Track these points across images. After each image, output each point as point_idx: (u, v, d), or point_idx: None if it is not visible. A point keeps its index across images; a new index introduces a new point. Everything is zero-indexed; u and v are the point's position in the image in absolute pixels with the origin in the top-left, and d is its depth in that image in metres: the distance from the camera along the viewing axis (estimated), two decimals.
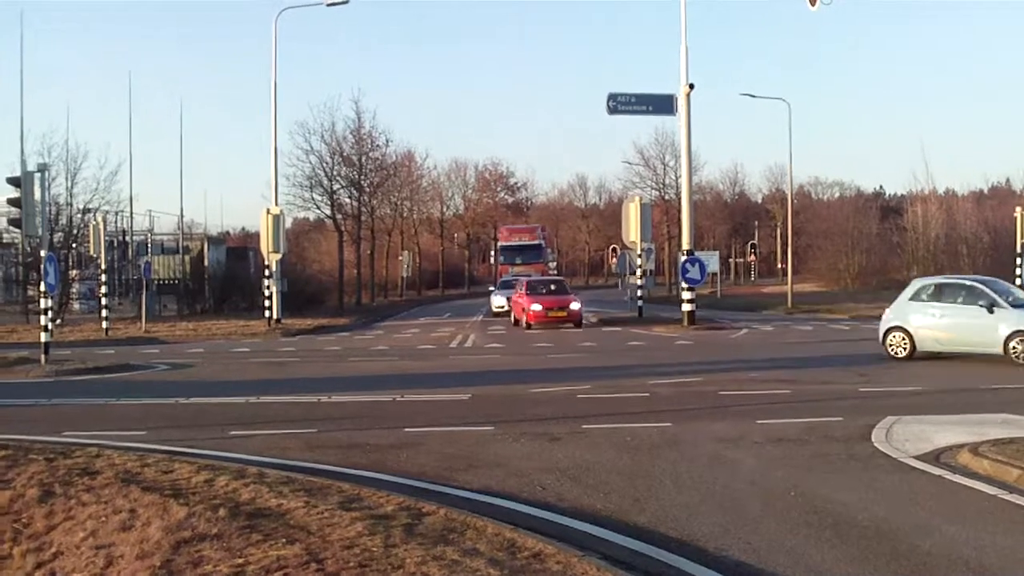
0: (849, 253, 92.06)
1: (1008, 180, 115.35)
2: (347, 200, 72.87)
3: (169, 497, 10.43)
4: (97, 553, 8.52)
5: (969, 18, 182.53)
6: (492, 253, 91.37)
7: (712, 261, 67.90)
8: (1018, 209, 51.41)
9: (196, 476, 11.60)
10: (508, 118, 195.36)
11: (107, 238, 49.01)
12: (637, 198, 49.88)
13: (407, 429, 16.10)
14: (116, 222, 64.09)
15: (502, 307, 54.18)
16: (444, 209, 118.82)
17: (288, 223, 65.86)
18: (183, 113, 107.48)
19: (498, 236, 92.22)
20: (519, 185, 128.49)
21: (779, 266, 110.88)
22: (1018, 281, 41.18)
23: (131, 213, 65.03)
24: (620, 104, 43.33)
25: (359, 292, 75.60)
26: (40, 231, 29.12)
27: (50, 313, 30.41)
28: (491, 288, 70.04)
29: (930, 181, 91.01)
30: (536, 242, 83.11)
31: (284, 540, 8.74)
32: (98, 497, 10.56)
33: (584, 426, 16.10)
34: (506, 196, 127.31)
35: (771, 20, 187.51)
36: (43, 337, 29.00)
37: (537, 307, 44.28)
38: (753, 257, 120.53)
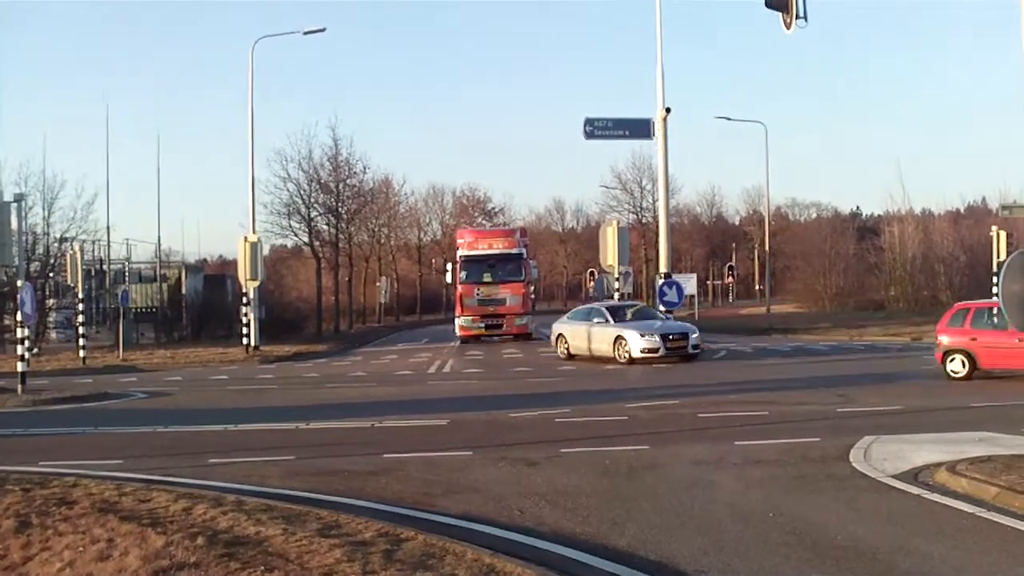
0: (826, 274, 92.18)
1: (984, 199, 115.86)
2: (325, 227, 72.77)
3: (147, 526, 10.40)
4: None
5: (945, 40, 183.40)
6: (448, 269, 58.78)
7: (690, 283, 67.84)
8: (994, 228, 51.65)
9: (174, 505, 11.57)
10: (485, 143, 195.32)
11: (84, 267, 48.75)
12: (614, 222, 49.78)
13: (386, 455, 16.10)
14: (93, 251, 63.90)
15: (570, 346, 38.80)
16: (422, 235, 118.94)
17: (266, 250, 65.64)
18: (160, 141, 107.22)
19: (458, 243, 58.47)
20: (497, 210, 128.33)
21: (757, 288, 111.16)
22: (995, 299, 41.24)
23: (108, 242, 65.02)
24: (597, 129, 43.37)
25: (337, 318, 75.41)
26: (16, 261, 29.09)
27: (27, 342, 30.30)
28: (456, 317, 54.94)
29: (907, 201, 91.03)
30: (514, 251, 55.50)
31: (263, 568, 8.73)
32: (75, 527, 10.52)
33: (562, 450, 16.11)
34: (484, 221, 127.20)
35: (747, 43, 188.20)
36: (20, 367, 28.94)
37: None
38: (731, 279, 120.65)
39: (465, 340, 52.98)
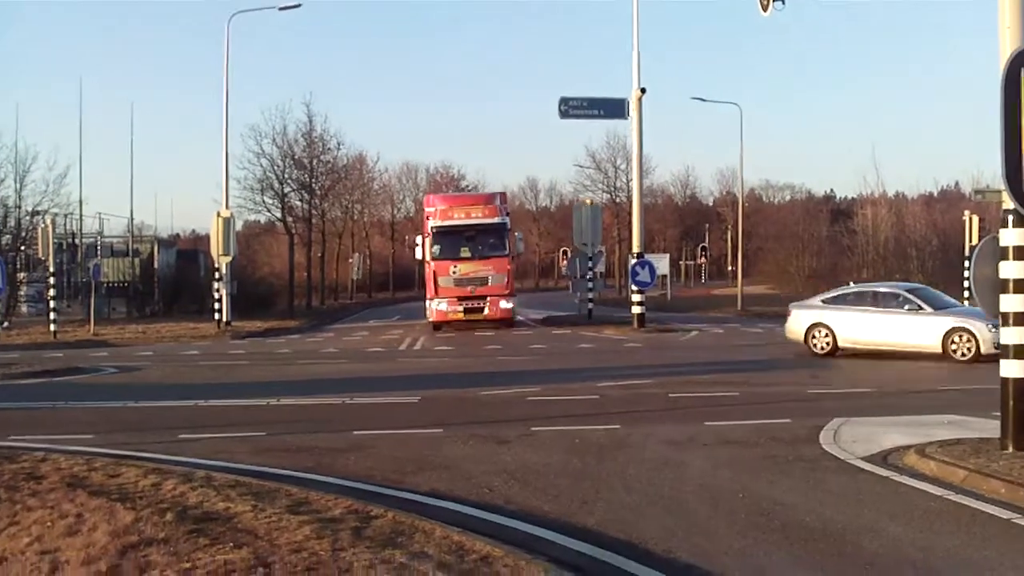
0: (799, 255, 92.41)
1: (957, 184, 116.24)
2: (298, 203, 72.44)
3: (116, 501, 10.38)
4: (42, 558, 8.44)
5: (921, 23, 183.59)
6: (418, 243, 48.55)
7: (662, 264, 67.98)
8: (967, 212, 51.81)
9: (143, 480, 11.54)
10: (460, 121, 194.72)
11: (56, 240, 48.45)
12: (588, 201, 50.23)
13: (356, 432, 16.09)
14: (65, 224, 63.57)
15: (839, 338, 29.63)
16: (395, 212, 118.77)
17: (239, 226, 65.56)
18: (134, 115, 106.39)
19: (427, 212, 48.73)
20: (470, 188, 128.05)
21: (729, 269, 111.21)
22: (966, 284, 41.38)
23: (81, 215, 64.70)
24: (572, 108, 43.48)
25: (309, 294, 75.18)
26: None
27: None
28: (428, 299, 46.46)
29: (880, 185, 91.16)
30: (496, 220, 46.67)
31: (232, 544, 8.72)
32: (44, 502, 10.49)
33: (533, 428, 16.12)
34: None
35: (723, 24, 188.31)
36: None
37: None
38: (703, 260, 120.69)
39: (439, 326, 45.44)
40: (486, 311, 45.27)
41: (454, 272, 45.35)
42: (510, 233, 47.32)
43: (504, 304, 45.58)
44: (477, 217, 46.53)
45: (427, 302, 46.48)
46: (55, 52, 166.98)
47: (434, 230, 45.89)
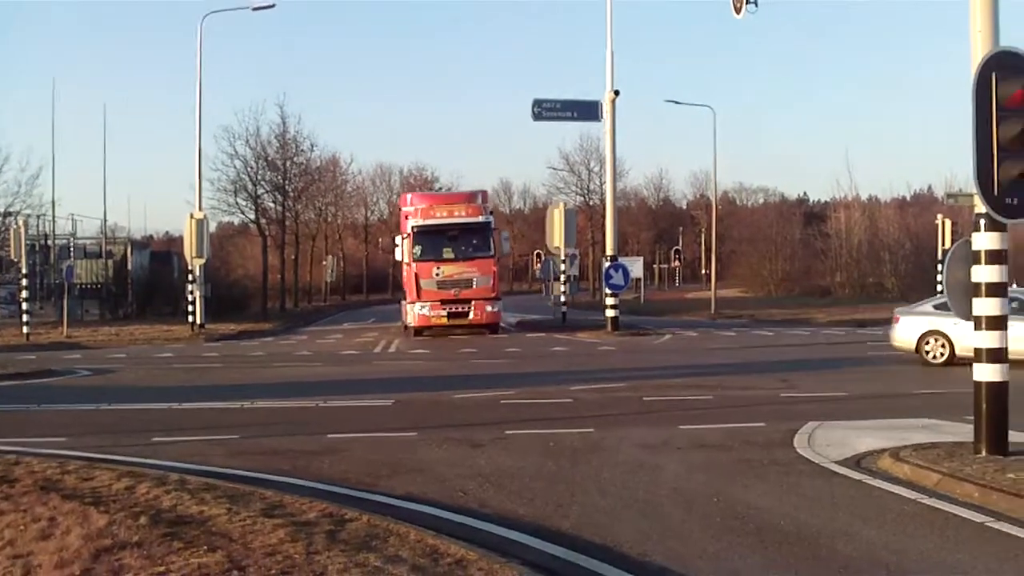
0: (773, 259, 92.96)
1: (930, 188, 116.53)
2: (271, 205, 72.31)
3: (89, 505, 10.35)
4: (15, 563, 8.42)
5: (895, 27, 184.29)
6: (396, 244, 46.68)
7: (636, 267, 67.98)
8: (939, 216, 52.08)
9: (117, 483, 11.51)
10: (434, 123, 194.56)
11: (28, 242, 48.30)
12: (561, 204, 49.94)
13: (330, 435, 16.07)
14: (38, 226, 63.43)
15: (958, 347, 25.89)
16: (369, 214, 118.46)
17: (212, 227, 65.33)
18: (107, 116, 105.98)
19: (405, 212, 46.84)
20: (444, 190, 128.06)
21: (703, 272, 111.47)
22: (939, 287, 41.58)
23: (53, 217, 64.50)
24: (545, 110, 43.50)
25: (283, 297, 75.07)
26: None
27: None
28: (408, 303, 43.85)
29: (853, 188, 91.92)
30: (480, 219, 44.00)
31: (206, 547, 8.70)
32: (16, 505, 10.45)
33: (507, 432, 16.14)
34: None
35: (697, 27, 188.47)
36: None
37: None
38: (677, 263, 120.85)
39: (420, 331, 42.84)
40: (471, 315, 42.48)
41: (437, 274, 42.39)
42: (495, 232, 44.60)
43: (490, 308, 42.88)
44: (460, 216, 43.81)
45: (406, 306, 43.83)
46: (27, 52, 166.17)
47: (415, 229, 42.86)
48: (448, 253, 43.03)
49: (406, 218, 44.87)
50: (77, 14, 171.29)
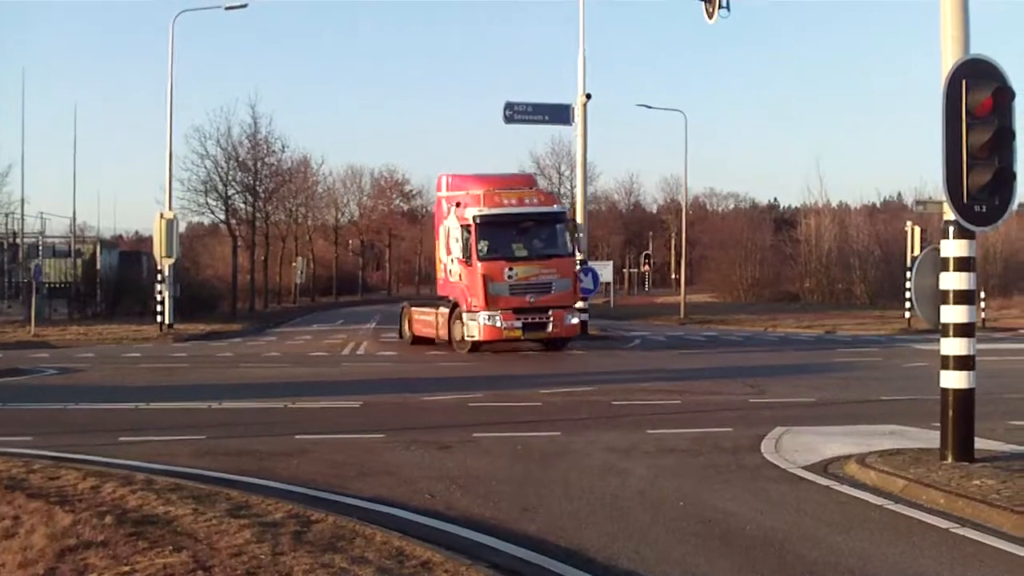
0: (743, 264, 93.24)
1: (900, 195, 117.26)
2: (242, 205, 72.08)
3: (55, 504, 10.30)
4: None
5: (866, 34, 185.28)
6: (445, 235, 36.92)
7: (606, 271, 68.09)
8: (908, 223, 52.25)
9: (83, 483, 11.46)
10: (405, 125, 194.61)
11: None
12: None
13: (298, 436, 16.03)
14: (6, 224, 63.16)
15: None
16: (339, 216, 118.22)
17: (182, 228, 65.20)
18: (77, 115, 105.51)
19: (456, 198, 36.55)
20: (415, 192, 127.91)
21: (673, 276, 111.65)
22: (907, 294, 41.75)
23: (22, 215, 64.18)
24: (517, 113, 43.49)
25: (252, 298, 74.87)
26: None
27: None
28: (464, 312, 34.32)
29: (824, 194, 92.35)
30: (555, 209, 36.54)
31: (171, 548, 8.67)
32: None
33: (475, 435, 16.13)
34: (401, 203, 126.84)
35: (669, 31, 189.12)
36: None
37: None
38: (647, 267, 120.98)
39: (479, 347, 34.25)
40: (549, 327, 34.08)
41: (510, 276, 33.71)
42: (571, 224, 37.37)
43: (570, 319, 34.81)
44: (532, 204, 35.44)
45: (462, 314, 34.29)
46: None
47: (479, 220, 33.81)
48: (520, 250, 34.46)
49: (457, 205, 35.38)
50: (47, 10, 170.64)
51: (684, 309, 61.03)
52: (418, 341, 38.16)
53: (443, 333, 35.92)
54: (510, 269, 33.60)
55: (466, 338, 33.95)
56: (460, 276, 34.78)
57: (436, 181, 38.87)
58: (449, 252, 35.84)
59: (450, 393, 22.15)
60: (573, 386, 23.45)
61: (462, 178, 37.72)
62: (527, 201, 35.16)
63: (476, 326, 33.48)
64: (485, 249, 33.56)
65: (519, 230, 34.48)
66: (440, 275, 38.14)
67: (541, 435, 16.09)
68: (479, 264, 33.35)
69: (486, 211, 33.87)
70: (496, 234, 33.96)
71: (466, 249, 33.86)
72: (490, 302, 33.19)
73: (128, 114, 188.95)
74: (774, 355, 33.73)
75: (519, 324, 33.46)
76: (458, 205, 35.22)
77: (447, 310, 35.71)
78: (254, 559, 8.40)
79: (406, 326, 40.01)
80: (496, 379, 25.79)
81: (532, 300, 33.69)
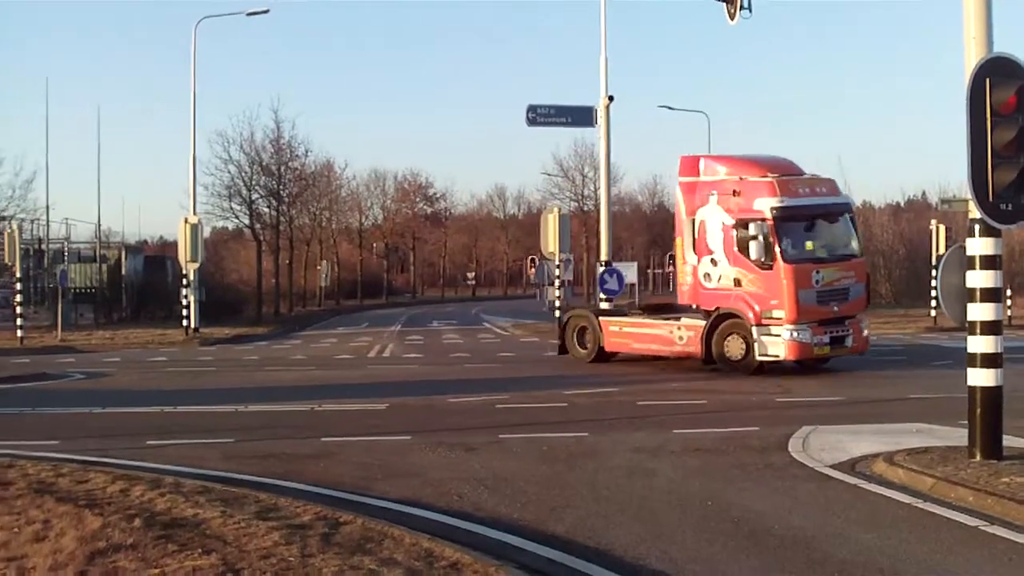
0: None
1: (924, 193, 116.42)
2: (266, 210, 72.01)
3: (84, 507, 10.34)
4: (8, 565, 8.41)
5: (888, 33, 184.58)
6: (696, 232, 28.45)
7: (630, 272, 67.84)
8: (933, 222, 52.00)
9: (111, 486, 11.50)
10: (428, 129, 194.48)
11: (23, 246, 48.26)
12: (556, 209, 49.77)
13: (325, 439, 16.07)
14: (32, 230, 63.35)
15: None
16: (363, 219, 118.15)
17: (207, 232, 65.09)
18: (101, 120, 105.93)
19: (720, 185, 27.88)
20: (438, 195, 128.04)
21: None
22: (933, 292, 41.57)
23: (47, 221, 64.55)
24: (540, 116, 43.28)
25: (277, 301, 74.88)
26: None
27: None
28: (770, 325, 26.38)
29: (848, 194, 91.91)
30: (844, 200, 29.88)
31: (200, 550, 8.70)
32: (10, 508, 10.44)
33: (501, 436, 16.15)
34: (425, 206, 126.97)
35: (691, 32, 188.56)
36: None
37: None
38: (671, 268, 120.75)
39: (777, 364, 26.80)
40: (849, 341, 27.36)
41: (817, 281, 26.66)
42: (856, 222, 30.31)
43: (864, 330, 28.14)
44: (822, 193, 28.29)
45: (752, 330, 26.63)
46: (20, 56, 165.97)
47: (778, 213, 26.52)
48: (820, 251, 27.50)
49: (734, 193, 27.57)
50: (71, 17, 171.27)
51: None
52: (602, 357, 31.23)
53: (692, 350, 28.39)
54: (817, 273, 26.68)
55: (759, 357, 26.59)
56: (738, 281, 27.28)
57: (680, 163, 30.80)
58: (707, 251, 28.22)
59: (476, 394, 22.16)
60: (599, 386, 23.45)
61: (731, 161, 29.32)
62: (819, 190, 28.22)
63: (779, 343, 26.24)
64: (787, 248, 26.42)
65: (814, 226, 27.59)
66: (685, 279, 29.74)
67: (567, 436, 16.09)
68: (784, 267, 26.20)
69: (787, 202, 26.75)
70: (796, 230, 27.15)
71: (761, 248, 26.22)
72: (801, 313, 26.17)
73: (152, 120, 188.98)
74: None
75: (827, 339, 26.80)
76: (735, 194, 27.48)
77: (699, 323, 28.25)
78: (283, 561, 8.42)
79: (588, 338, 31.99)
80: (522, 380, 25.75)
81: (836, 309, 27.16)
